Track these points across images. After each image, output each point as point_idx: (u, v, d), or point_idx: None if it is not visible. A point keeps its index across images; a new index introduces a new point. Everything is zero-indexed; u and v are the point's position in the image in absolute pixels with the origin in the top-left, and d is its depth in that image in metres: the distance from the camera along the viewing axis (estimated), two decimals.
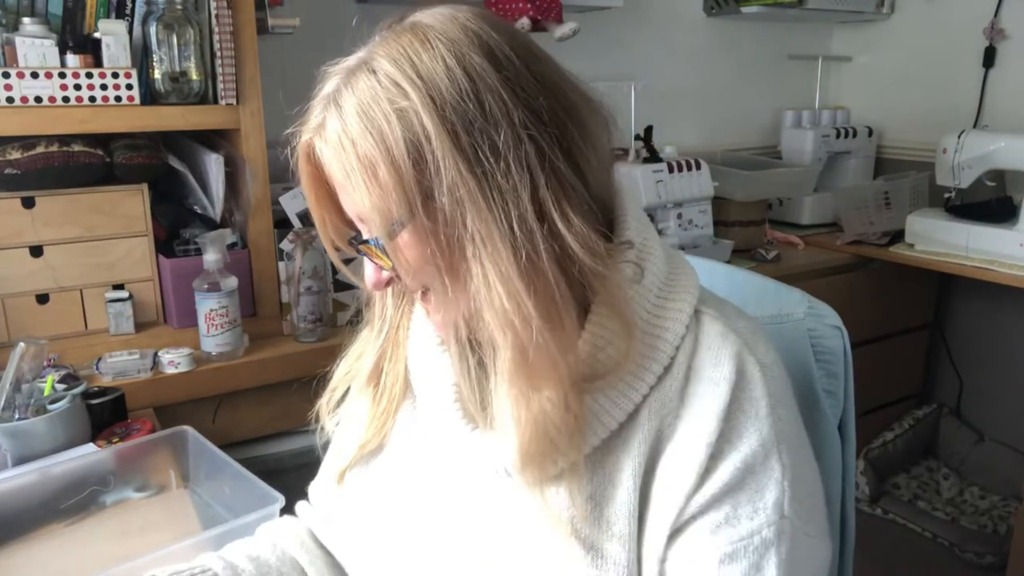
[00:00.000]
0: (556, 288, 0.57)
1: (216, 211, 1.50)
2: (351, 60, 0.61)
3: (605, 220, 0.63)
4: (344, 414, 0.77)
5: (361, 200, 0.58)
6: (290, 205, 1.55)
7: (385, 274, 0.64)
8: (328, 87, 0.61)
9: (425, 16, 0.61)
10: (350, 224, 0.66)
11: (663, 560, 0.61)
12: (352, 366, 0.76)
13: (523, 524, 0.64)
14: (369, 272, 0.65)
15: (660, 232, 2.13)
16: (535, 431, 0.58)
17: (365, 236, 0.64)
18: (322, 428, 0.78)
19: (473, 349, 0.66)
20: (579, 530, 0.61)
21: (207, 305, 1.38)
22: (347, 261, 0.70)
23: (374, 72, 0.58)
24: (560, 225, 0.57)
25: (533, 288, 0.56)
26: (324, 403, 0.77)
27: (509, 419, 0.60)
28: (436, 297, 0.62)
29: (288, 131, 0.64)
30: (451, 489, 0.69)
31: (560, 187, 0.58)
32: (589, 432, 0.61)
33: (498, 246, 0.56)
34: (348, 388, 0.77)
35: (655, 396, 0.62)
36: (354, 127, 0.57)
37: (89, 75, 1.30)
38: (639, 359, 0.61)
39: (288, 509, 0.91)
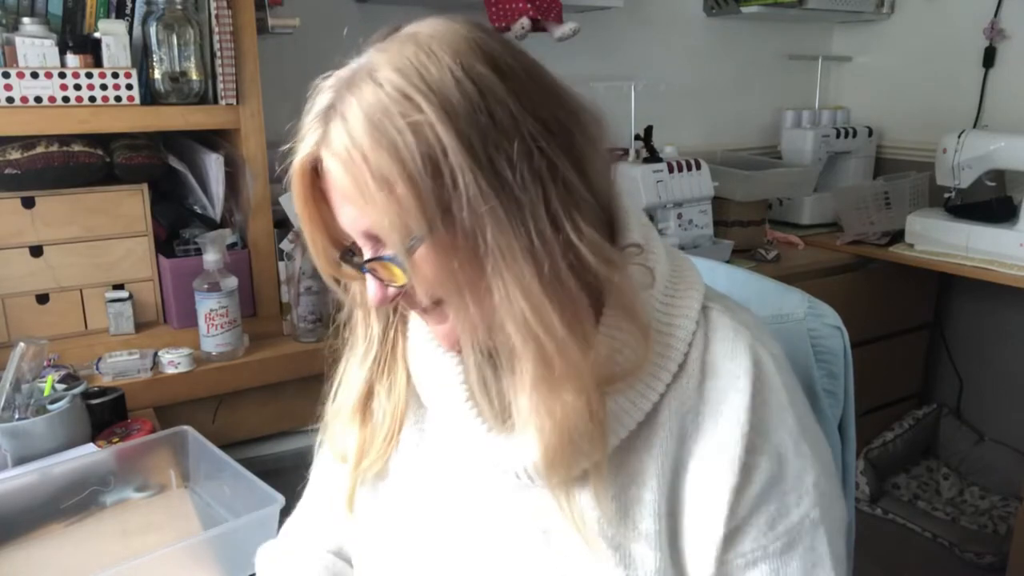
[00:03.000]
0: (575, 297, 0.57)
1: (216, 211, 1.50)
2: (346, 71, 0.59)
3: (608, 223, 0.64)
4: (340, 439, 0.75)
5: (378, 217, 0.56)
6: (290, 205, 1.55)
7: (392, 291, 0.62)
8: (324, 99, 0.58)
9: (423, 27, 0.59)
10: (338, 245, 0.64)
11: (723, 562, 0.61)
12: (342, 396, 0.74)
13: (547, 527, 0.64)
14: (373, 289, 0.62)
15: (660, 232, 2.13)
16: (559, 436, 0.58)
17: (369, 254, 0.61)
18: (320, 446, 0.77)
19: (480, 350, 0.66)
20: (605, 531, 0.61)
21: (207, 305, 1.38)
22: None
23: (379, 83, 0.56)
24: (573, 235, 0.57)
25: (555, 300, 0.56)
26: (326, 439, 0.76)
27: (532, 425, 0.60)
28: (453, 312, 0.60)
29: (284, 147, 0.61)
30: (471, 495, 0.68)
31: (570, 196, 0.58)
32: (609, 433, 0.61)
33: (519, 259, 0.55)
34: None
35: (672, 394, 0.62)
36: (364, 140, 0.55)
37: (89, 75, 1.30)
38: (654, 359, 0.62)
39: (288, 509, 0.91)
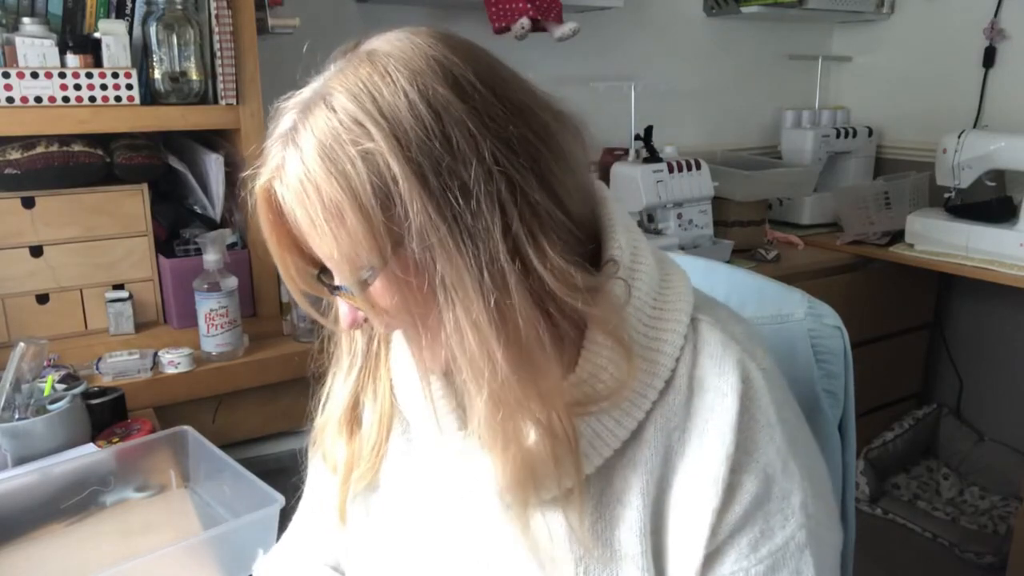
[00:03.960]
0: (531, 330, 0.54)
1: (216, 211, 1.50)
2: (306, 93, 0.57)
3: (590, 237, 0.61)
4: (325, 455, 0.75)
5: (329, 248, 0.55)
6: None
7: (362, 314, 0.61)
8: (284, 124, 0.57)
9: (382, 43, 0.57)
10: (314, 264, 0.63)
11: None
12: (329, 410, 0.73)
13: (523, 546, 0.63)
14: (344, 312, 0.62)
15: (660, 232, 2.13)
16: (515, 466, 0.57)
17: (337, 281, 0.60)
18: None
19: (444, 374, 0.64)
20: (591, 552, 0.60)
21: (207, 305, 1.38)
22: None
23: (333, 109, 0.54)
24: (536, 262, 0.54)
25: (504, 336, 0.54)
26: (314, 451, 0.75)
27: (488, 453, 0.59)
28: (408, 342, 0.60)
29: (245, 173, 0.60)
30: (458, 505, 0.67)
31: (536, 219, 0.55)
32: (592, 453, 0.60)
33: (469, 292, 0.53)
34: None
35: (659, 411, 0.60)
36: (317, 170, 0.53)
37: (89, 75, 1.30)
38: (639, 375, 0.60)
39: (288, 509, 0.91)
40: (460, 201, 0.53)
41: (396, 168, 0.52)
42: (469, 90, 0.55)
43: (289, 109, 0.57)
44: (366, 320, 0.62)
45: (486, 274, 0.53)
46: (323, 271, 0.63)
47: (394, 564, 0.71)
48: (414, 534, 0.70)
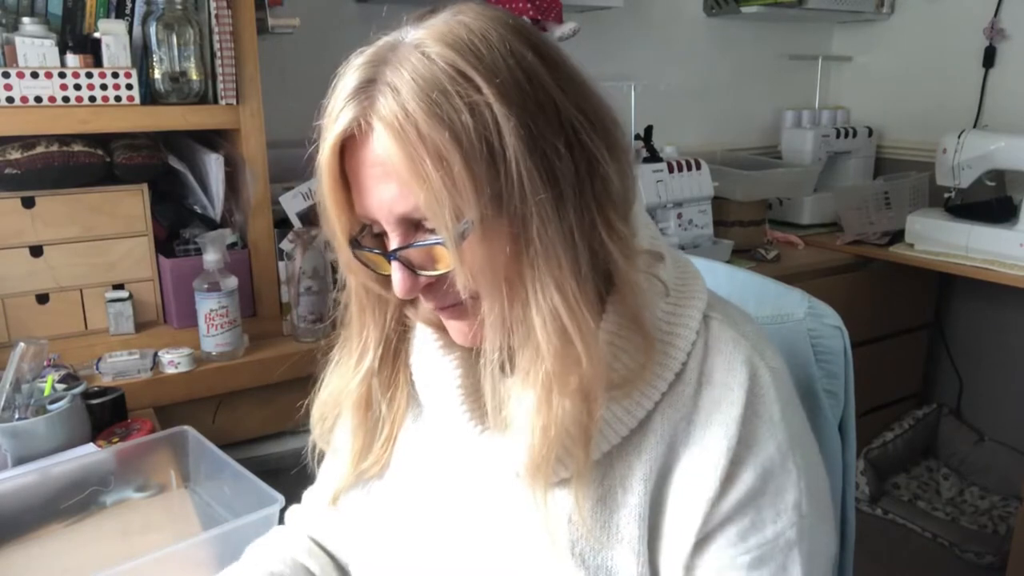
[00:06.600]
0: (596, 297, 0.56)
1: (216, 211, 1.50)
2: (384, 46, 0.56)
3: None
4: (337, 436, 0.75)
5: (429, 197, 0.53)
6: (290, 205, 1.55)
7: (423, 280, 0.59)
8: (360, 75, 0.55)
9: (465, 8, 0.57)
10: (351, 231, 0.61)
11: (690, 568, 0.61)
12: (339, 390, 0.72)
13: (534, 528, 0.64)
14: (399, 279, 0.58)
15: (660, 232, 2.13)
16: (550, 436, 0.58)
17: (398, 241, 0.58)
18: (313, 448, 0.76)
19: (479, 352, 0.64)
20: (592, 531, 0.61)
21: (207, 305, 1.38)
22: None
23: (430, 57, 0.53)
24: (604, 232, 0.56)
25: (586, 296, 0.55)
26: (317, 433, 0.75)
27: (526, 421, 0.59)
28: (487, 305, 0.57)
29: (318, 122, 0.58)
30: (462, 495, 0.68)
31: (606, 191, 0.57)
32: (601, 439, 0.61)
33: (558, 252, 0.54)
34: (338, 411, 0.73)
35: (667, 402, 0.61)
36: (419, 115, 0.52)
37: (89, 75, 1.30)
38: (652, 367, 0.61)
39: (287, 510, 0.91)
40: (552, 162, 0.54)
41: (503, 123, 0.52)
42: (550, 60, 0.56)
43: (364, 63, 0.56)
44: (423, 288, 0.60)
45: (576, 236, 0.55)
46: (377, 234, 0.61)
47: (397, 547, 0.71)
48: (418, 517, 0.70)
